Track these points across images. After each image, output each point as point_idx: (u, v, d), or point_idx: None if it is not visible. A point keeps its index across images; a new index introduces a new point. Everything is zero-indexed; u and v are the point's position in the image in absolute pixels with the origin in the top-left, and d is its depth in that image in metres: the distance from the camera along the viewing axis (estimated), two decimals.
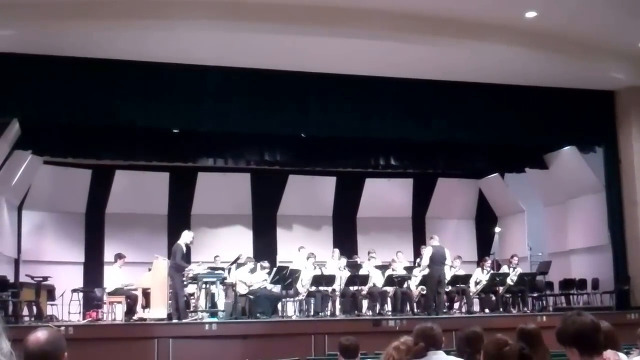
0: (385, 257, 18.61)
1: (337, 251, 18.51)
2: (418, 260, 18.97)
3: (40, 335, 3.40)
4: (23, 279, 16.93)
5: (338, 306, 17.28)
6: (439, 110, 17.00)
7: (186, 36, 14.31)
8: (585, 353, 3.43)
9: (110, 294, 16.09)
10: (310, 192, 22.16)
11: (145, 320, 15.11)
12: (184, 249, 15.93)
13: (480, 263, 19.61)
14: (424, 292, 17.26)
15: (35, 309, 15.79)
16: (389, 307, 17.47)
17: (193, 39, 14.44)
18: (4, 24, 13.55)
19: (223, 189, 21.15)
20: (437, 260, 16.77)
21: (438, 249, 16.96)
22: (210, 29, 14.16)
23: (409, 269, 18.21)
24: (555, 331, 3.58)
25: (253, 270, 17.00)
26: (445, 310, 17.29)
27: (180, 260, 15.54)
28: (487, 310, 17.65)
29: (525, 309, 17.65)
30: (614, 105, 18.27)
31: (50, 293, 17.04)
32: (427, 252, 17.11)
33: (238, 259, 17.55)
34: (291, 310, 17.42)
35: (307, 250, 17.90)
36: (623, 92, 17.99)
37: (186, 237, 16.09)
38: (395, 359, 6.08)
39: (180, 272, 15.55)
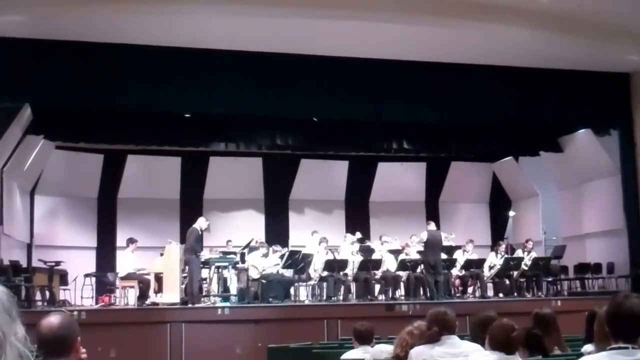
0: (397, 237, 18.56)
1: (349, 235, 18.42)
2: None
3: (53, 320, 3.48)
4: (35, 263, 17.00)
5: (351, 291, 17.22)
6: (452, 92, 16.84)
7: (197, 20, 14.21)
8: (614, 336, 3.36)
9: (122, 278, 16.16)
10: (323, 176, 22.07)
11: (157, 304, 15.15)
12: (200, 233, 15.99)
13: (494, 247, 19.60)
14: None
15: (47, 293, 15.84)
16: (401, 291, 17.44)
17: (204, 22, 14.34)
18: (16, 9, 13.50)
19: (235, 173, 21.08)
20: (432, 245, 16.77)
21: (434, 233, 17.00)
22: (221, 12, 14.05)
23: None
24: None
25: (265, 255, 16.96)
26: (458, 295, 17.33)
27: (193, 243, 15.56)
28: (501, 295, 17.54)
29: (540, 293, 17.58)
30: (629, 88, 18.05)
31: (63, 277, 17.04)
32: (421, 236, 17.09)
33: (250, 243, 17.53)
34: (303, 294, 17.39)
35: (319, 235, 17.83)
36: (638, 74, 17.79)
37: (201, 222, 16.20)
38: (408, 343, 6.09)
39: (195, 255, 15.56)
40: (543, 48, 16.01)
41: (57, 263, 16.32)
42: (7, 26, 13.78)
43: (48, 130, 17.16)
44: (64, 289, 17.09)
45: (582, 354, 5.79)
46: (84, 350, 3.55)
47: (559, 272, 18.84)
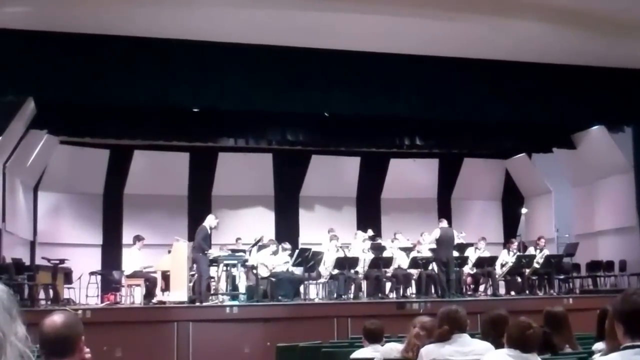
0: (409, 238, 18.44)
1: (360, 232, 18.27)
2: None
3: (57, 319, 3.44)
4: (39, 261, 16.80)
5: (361, 289, 17.06)
6: (465, 88, 16.57)
7: (206, 12, 13.97)
8: (628, 333, 3.27)
9: (128, 276, 16.03)
10: (334, 173, 21.94)
11: (164, 303, 15.03)
12: (208, 231, 15.95)
13: (506, 244, 19.64)
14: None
15: (51, 292, 15.62)
16: (413, 289, 17.34)
17: (213, 15, 14.10)
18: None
19: (244, 169, 20.95)
20: (445, 242, 16.79)
21: (446, 230, 17.07)
22: (231, 4, 13.83)
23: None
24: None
25: (275, 252, 16.85)
26: (470, 293, 17.27)
27: (201, 241, 15.48)
28: (512, 293, 17.61)
29: (552, 291, 17.64)
30: None
31: (67, 276, 16.91)
32: (433, 234, 17.05)
33: (259, 240, 17.45)
34: (313, 292, 17.35)
35: (334, 232, 17.70)
36: None
37: (210, 220, 16.22)
38: (418, 346, 6.10)
39: (203, 253, 15.46)
40: (557, 44, 15.76)
41: (61, 261, 16.11)
42: (10, 17, 13.55)
43: (52, 124, 17.03)
44: (68, 288, 16.96)
45: (593, 352, 5.88)
46: (87, 350, 3.50)
47: (571, 270, 18.90)
